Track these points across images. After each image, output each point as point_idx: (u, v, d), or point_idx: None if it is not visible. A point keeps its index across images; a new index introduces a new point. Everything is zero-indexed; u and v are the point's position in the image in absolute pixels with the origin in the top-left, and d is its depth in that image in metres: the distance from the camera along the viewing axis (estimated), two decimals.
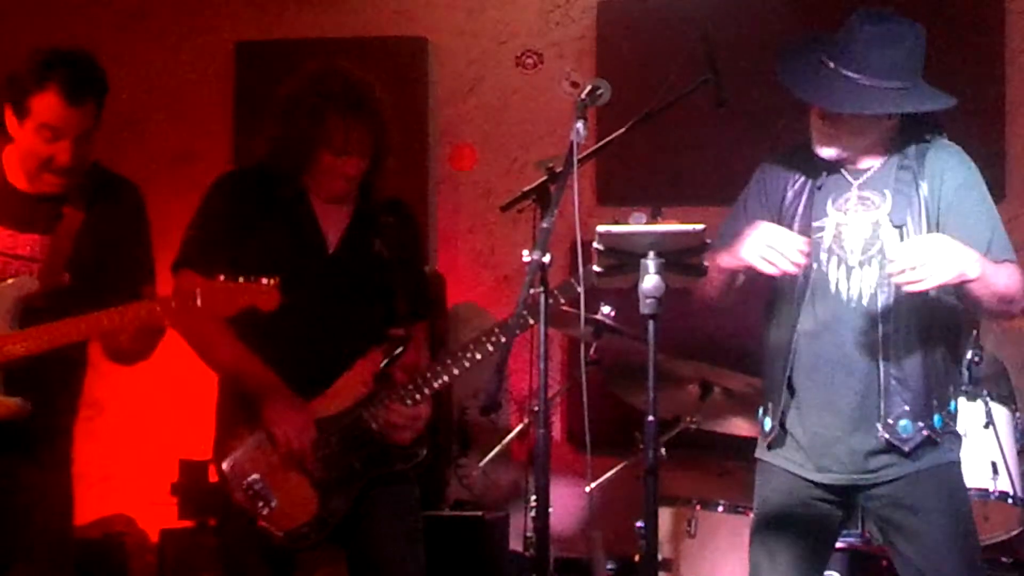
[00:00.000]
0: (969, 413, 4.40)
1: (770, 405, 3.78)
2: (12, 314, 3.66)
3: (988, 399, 4.59)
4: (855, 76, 3.61)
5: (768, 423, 3.79)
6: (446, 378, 4.00)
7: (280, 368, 3.95)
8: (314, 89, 4.00)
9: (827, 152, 3.72)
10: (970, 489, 4.04)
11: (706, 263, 3.33)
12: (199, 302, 3.55)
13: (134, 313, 3.60)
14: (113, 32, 6.17)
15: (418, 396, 3.99)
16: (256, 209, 4.04)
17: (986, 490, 4.51)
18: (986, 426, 4.55)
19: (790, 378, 3.72)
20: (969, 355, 4.58)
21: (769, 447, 3.80)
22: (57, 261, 3.74)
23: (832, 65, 3.64)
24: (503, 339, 3.91)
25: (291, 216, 4.06)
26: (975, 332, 4.60)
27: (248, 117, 6.15)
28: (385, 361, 3.99)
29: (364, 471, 3.98)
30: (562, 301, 3.94)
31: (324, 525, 3.94)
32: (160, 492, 5.81)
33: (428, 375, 4.00)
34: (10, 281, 3.71)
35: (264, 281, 3.60)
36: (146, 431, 6.31)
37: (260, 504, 3.89)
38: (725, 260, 3.63)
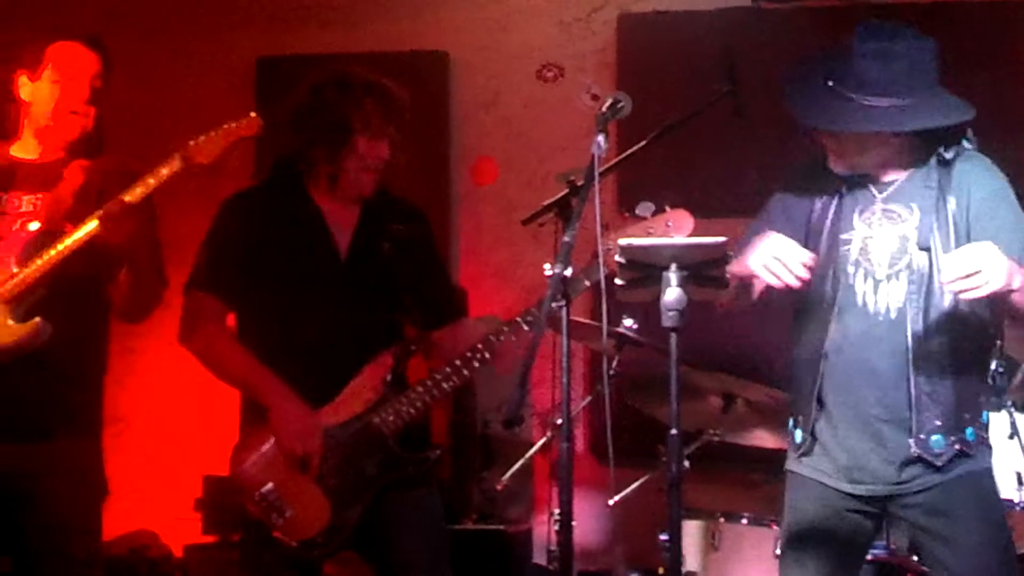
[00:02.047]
0: (993, 424, 4.37)
1: (800, 418, 3.77)
2: (18, 258, 3.91)
3: (1012, 409, 4.57)
4: (853, 96, 3.60)
5: (799, 435, 3.77)
6: (456, 380, 4.01)
7: (294, 377, 3.97)
8: (344, 83, 4.07)
9: (838, 168, 3.73)
10: None
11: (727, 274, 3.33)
12: (178, 164, 3.88)
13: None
14: (134, 48, 6.18)
15: (428, 399, 4.00)
16: (266, 227, 4.08)
17: (1011, 501, 4.49)
18: (1011, 437, 4.52)
19: (820, 391, 3.71)
20: (993, 365, 4.55)
21: (801, 457, 3.78)
22: (58, 212, 3.98)
23: (835, 86, 3.64)
24: (511, 335, 3.93)
25: (302, 228, 4.08)
26: (999, 342, 4.58)
27: (270, 133, 6.16)
28: (394, 365, 4.00)
29: (376, 477, 3.99)
30: (587, 284, 3.91)
31: (338, 533, 3.94)
32: (184, 508, 5.83)
33: (438, 377, 4.01)
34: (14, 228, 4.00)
35: (242, 120, 3.92)
36: (170, 447, 6.33)
37: (274, 515, 3.90)
38: (734, 267, 3.62)
